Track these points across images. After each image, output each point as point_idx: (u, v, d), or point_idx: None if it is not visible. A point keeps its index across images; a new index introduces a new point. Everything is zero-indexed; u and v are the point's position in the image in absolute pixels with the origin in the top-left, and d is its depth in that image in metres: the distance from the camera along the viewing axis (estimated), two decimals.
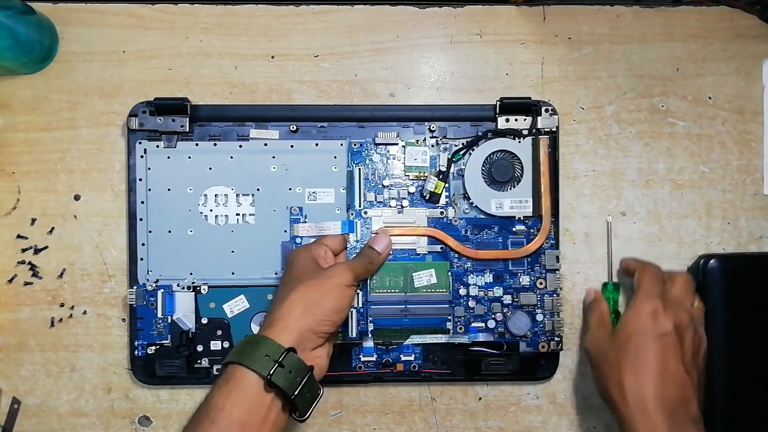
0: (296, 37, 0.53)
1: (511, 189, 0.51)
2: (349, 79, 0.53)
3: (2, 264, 0.52)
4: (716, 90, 0.54)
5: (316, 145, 0.51)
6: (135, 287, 0.50)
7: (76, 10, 0.53)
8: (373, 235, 0.50)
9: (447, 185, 0.51)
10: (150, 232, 0.50)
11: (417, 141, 0.51)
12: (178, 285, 0.50)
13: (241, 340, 0.41)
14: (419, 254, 0.51)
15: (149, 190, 0.50)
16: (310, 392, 0.40)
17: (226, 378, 0.39)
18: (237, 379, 0.38)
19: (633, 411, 0.41)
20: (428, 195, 0.51)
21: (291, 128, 0.51)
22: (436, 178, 0.50)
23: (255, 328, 0.50)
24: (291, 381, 0.38)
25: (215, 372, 0.50)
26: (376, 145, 0.51)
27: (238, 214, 0.51)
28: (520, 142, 0.51)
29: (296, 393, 0.38)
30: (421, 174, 0.51)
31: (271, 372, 0.38)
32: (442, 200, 0.51)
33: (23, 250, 0.52)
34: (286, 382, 0.38)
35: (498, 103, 0.51)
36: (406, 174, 0.51)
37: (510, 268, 0.51)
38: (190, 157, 0.51)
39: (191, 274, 0.50)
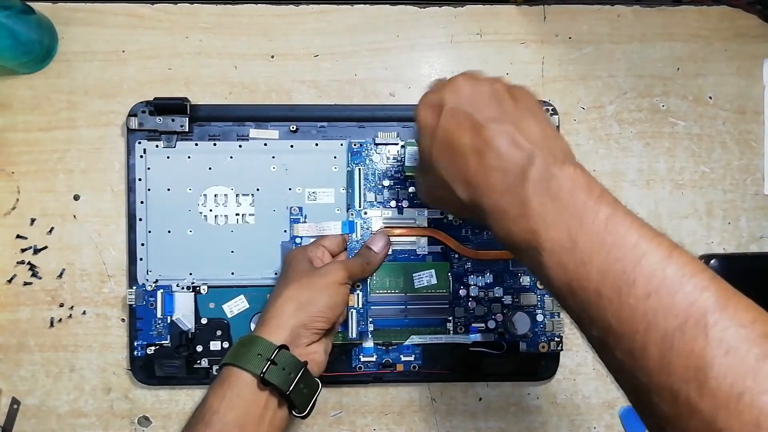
0: (296, 37, 0.53)
1: None
2: (349, 79, 0.53)
3: (2, 264, 0.51)
4: (717, 90, 0.54)
5: (316, 145, 0.51)
6: (134, 287, 0.50)
7: (76, 10, 0.52)
8: (372, 235, 0.50)
9: None
10: (149, 232, 0.50)
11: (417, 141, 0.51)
12: (177, 285, 0.50)
13: (235, 342, 0.41)
14: (419, 255, 0.51)
15: (149, 190, 0.50)
16: (307, 388, 0.40)
17: (221, 380, 0.39)
18: (231, 380, 0.38)
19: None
20: None
21: (291, 128, 0.51)
22: None
23: (253, 330, 0.50)
24: (284, 377, 0.38)
25: (215, 372, 0.50)
26: (376, 145, 0.51)
27: (237, 214, 0.51)
28: None
29: (291, 389, 0.38)
30: None
31: (263, 370, 0.37)
32: None
33: (23, 250, 0.51)
34: (279, 379, 0.38)
35: None
36: (406, 174, 0.51)
37: (510, 268, 0.51)
38: (189, 157, 0.51)
39: (191, 274, 0.50)
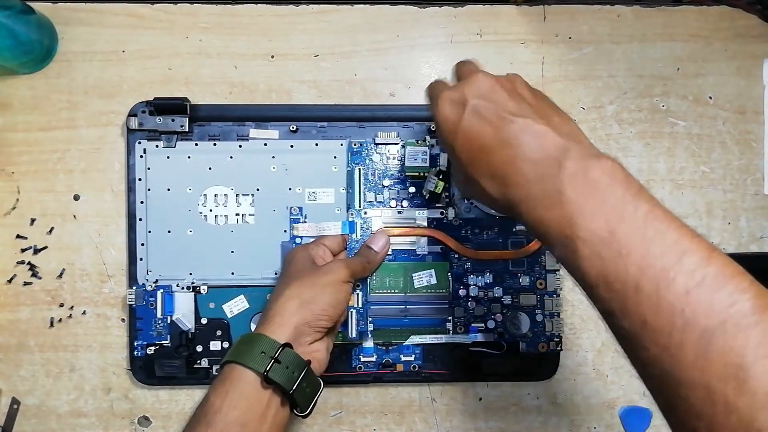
0: (296, 37, 0.53)
1: None
2: (349, 79, 0.53)
3: (2, 264, 0.51)
4: (717, 90, 0.54)
5: (316, 145, 0.51)
6: (134, 287, 0.50)
7: (76, 10, 0.52)
8: (372, 234, 0.50)
9: (447, 185, 0.51)
10: (149, 232, 0.50)
11: (417, 141, 0.51)
12: (177, 285, 0.50)
13: (237, 339, 0.41)
14: (419, 255, 0.51)
15: (149, 190, 0.50)
16: (309, 386, 0.40)
17: (223, 378, 0.39)
18: (234, 378, 0.38)
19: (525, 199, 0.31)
20: (428, 195, 0.51)
21: (291, 128, 0.51)
22: (436, 178, 0.50)
23: (254, 329, 0.50)
24: (288, 376, 0.38)
25: (215, 372, 0.50)
26: (376, 145, 0.51)
27: (237, 214, 0.51)
28: None
29: (294, 388, 0.38)
30: (421, 174, 0.51)
31: (267, 368, 0.37)
32: (442, 200, 0.51)
33: (23, 250, 0.51)
34: (283, 377, 0.38)
35: None
36: (406, 174, 0.51)
37: (510, 268, 0.51)
38: (189, 157, 0.51)
39: (191, 274, 0.50)
